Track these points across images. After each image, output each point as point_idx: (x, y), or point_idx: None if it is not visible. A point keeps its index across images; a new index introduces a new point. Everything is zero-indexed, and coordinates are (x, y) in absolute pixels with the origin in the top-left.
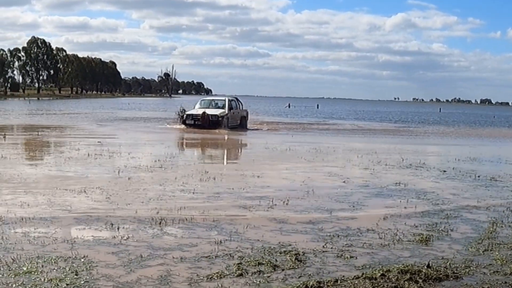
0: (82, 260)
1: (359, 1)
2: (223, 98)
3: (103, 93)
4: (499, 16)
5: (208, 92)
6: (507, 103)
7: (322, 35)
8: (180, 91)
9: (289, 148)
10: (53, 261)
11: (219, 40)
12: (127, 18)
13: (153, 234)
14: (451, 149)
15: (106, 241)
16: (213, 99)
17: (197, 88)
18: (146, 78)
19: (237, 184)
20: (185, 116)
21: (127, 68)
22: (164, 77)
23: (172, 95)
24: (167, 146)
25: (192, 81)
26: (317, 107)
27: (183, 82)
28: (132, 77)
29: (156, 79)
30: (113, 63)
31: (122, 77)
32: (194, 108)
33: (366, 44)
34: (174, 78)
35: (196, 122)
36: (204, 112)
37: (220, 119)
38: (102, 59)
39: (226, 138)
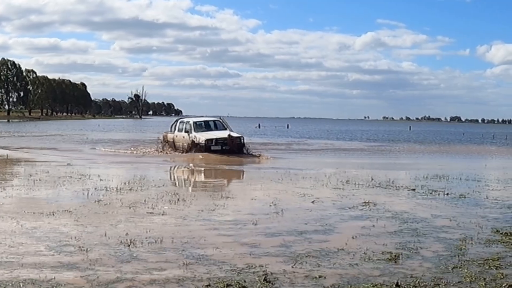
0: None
1: (329, 21)
2: (212, 118)
3: (73, 114)
4: (468, 33)
5: (178, 113)
6: (477, 120)
7: (292, 55)
8: (150, 112)
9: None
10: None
11: (189, 60)
12: (98, 39)
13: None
14: (420, 167)
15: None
16: (200, 120)
17: (167, 109)
18: (117, 99)
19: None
20: (204, 141)
21: (97, 89)
22: (134, 99)
23: (142, 116)
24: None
25: (163, 102)
26: (287, 127)
27: (153, 103)
28: (103, 99)
29: (126, 100)
30: (84, 85)
31: (93, 98)
32: (173, 131)
33: (336, 63)
34: (144, 99)
35: (224, 147)
36: (229, 135)
37: (243, 141)
38: (72, 81)
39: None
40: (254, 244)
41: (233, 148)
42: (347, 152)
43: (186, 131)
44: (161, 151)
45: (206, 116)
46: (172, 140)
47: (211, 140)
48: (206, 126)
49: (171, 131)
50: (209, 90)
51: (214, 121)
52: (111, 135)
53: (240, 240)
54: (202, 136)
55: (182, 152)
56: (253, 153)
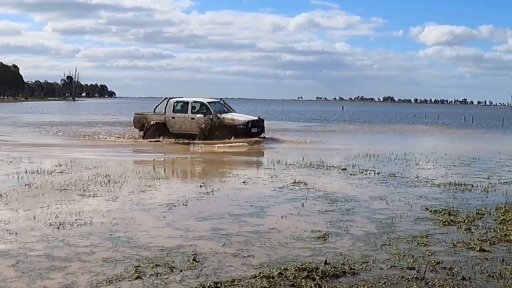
0: None
1: (263, 2)
2: (212, 100)
3: (5, 97)
4: (401, 15)
5: (111, 95)
6: (410, 101)
7: (226, 36)
8: (84, 94)
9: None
10: None
11: (122, 42)
12: (31, 21)
13: None
14: (351, 146)
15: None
16: (213, 100)
17: (100, 91)
18: (50, 81)
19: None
20: (244, 124)
21: (30, 71)
22: (67, 80)
23: (76, 99)
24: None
25: (96, 84)
26: None
27: (87, 85)
28: (35, 81)
29: (59, 82)
30: (16, 67)
31: (25, 80)
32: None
33: (270, 44)
34: (78, 81)
35: (258, 130)
36: (259, 117)
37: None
38: (4, 63)
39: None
40: (184, 225)
41: (262, 130)
42: (282, 132)
43: (194, 112)
44: (142, 138)
45: (201, 98)
46: (162, 122)
47: (251, 122)
48: (219, 107)
49: (157, 112)
50: (143, 71)
51: (218, 102)
52: (53, 117)
53: (170, 221)
54: (239, 118)
55: (186, 137)
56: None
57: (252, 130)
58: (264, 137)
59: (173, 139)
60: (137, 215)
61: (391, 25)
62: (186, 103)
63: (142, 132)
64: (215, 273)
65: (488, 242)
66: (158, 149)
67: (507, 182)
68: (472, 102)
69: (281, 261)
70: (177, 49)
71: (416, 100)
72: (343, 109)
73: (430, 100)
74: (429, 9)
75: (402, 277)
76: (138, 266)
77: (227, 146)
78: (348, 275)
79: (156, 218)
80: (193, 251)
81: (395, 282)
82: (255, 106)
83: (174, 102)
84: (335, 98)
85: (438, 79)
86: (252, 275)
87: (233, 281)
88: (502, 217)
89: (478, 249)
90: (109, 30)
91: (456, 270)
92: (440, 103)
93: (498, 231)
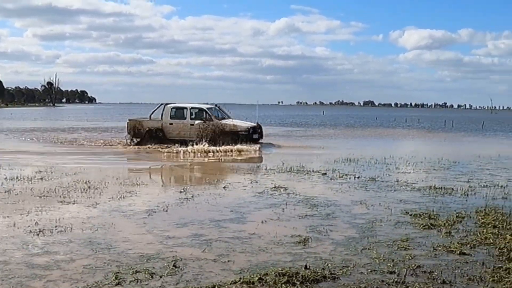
0: None
1: (243, 7)
2: (208, 106)
3: None
4: (381, 19)
5: (92, 100)
6: (390, 105)
7: (206, 41)
8: (64, 100)
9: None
10: None
11: (103, 47)
12: (11, 26)
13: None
14: (331, 151)
15: None
16: (211, 106)
17: (81, 97)
18: (30, 87)
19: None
20: (246, 130)
21: (10, 77)
22: (47, 86)
23: (56, 104)
24: None
25: (76, 89)
26: None
27: (67, 90)
28: (15, 87)
29: (39, 88)
30: None
31: (5, 86)
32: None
33: (250, 49)
34: (58, 87)
35: (258, 136)
36: (258, 123)
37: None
38: None
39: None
40: (165, 231)
41: (261, 136)
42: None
43: (193, 118)
44: (135, 145)
45: (197, 104)
46: (159, 128)
47: (252, 128)
48: (215, 113)
49: (153, 118)
50: (123, 77)
51: (214, 108)
52: (34, 123)
53: (150, 227)
54: (241, 124)
55: (185, 143)
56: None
57: (254, 136)
58: (261, 143)
59: (165, 145)
60: (117, 221)
61: (371, 29)
62: (184, 109)
63: (135, 139)
64: (195, 279)
65: (468, 245)
66: (152, 156)
67: (487, 185)
68: (452, 106)
69: (261, 266)
70: (158, 55)
71: (396, 104)
72: (323, 114)
73: (411, 104)
74: (409, 13)
75: (383, 281)
76: (118, 272)
77: (236, 153)
78: (329, 279)
79: (136, 224)
80: (173, 257)
81: (375, 287)
82: (237, 111)
83: (172, 108)
84: (315, 103)
85: (418, 83)
86: (232, 281)
87: (214, 286)
88: (482, 220)
89: (458, 252)
90: (89, 36)
91: (436, 273)
92: (420, 107)
93: (478, 234)
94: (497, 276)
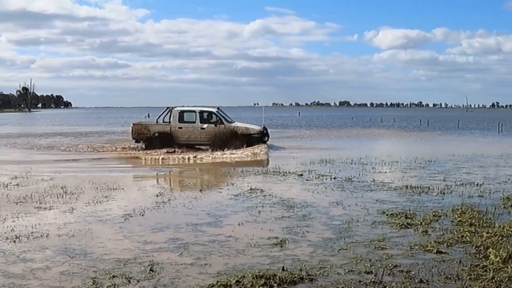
0: None
1: (218, 9)
2: (211, 109)
3: None
4: (356, 19)
5: (67, 105)
6: (366, 104)
7: (181, 44)
8: (40, 105)
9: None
10: None
11: (78, 52)
12: None
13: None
14: (308, 152)
15: None
16: (218, 110)
17: (56, 102)
18: (5, 93)
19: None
20: (258, 133)
21: None
22: (22, 92)
23: (32, 110)
24: None
25: (52, 94)
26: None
27: (43, 95)
28: None
29: (15, 93)
30: None
31: None
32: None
33: (225, 51)
34: (33, 92)
35: (267, 138)
36: (264, 126)
37: None
38: None
39: None
40: (141, 236)
41: (268, 138)
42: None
43: (202, 122)
44: (144, 150)
45: (200, 107)
46: (168, 132)
47: (262, 130)
48: (224, 116)
49: (159, 122)
50: (99, 81)
51: (218, 111)
52: (11, 129)
53: (127, 232)
54: (252, 127)
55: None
56: None
57: (264, 139)
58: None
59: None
60: (93, 226)
61: (346, 30)
62: (193, 112)
63: (141, 143)
64: (173, 282)
65: (445, 244)
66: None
67: (463, 184)
68: (427, 105)
69: (238, 269)
70: (133, 58)
71: (372, 104)
72: (299, 115)
73: (386, 103)
74: (383, 14)
75: (360, 281)
76: (95, 278)
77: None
78: (306, 281)
79: (113, 229)
80: (150, 261)
81: (352, 287)
82: None
83: (180, 112)
84: (291, 104)
85: (393, 82)
86: (209, 284)
87: None
88: (459, 219)
89: (435, 251)
90: (64, 40)
91: (413, 273)
92: (396, 106)
93: (455, 232)
94: (474, 274)
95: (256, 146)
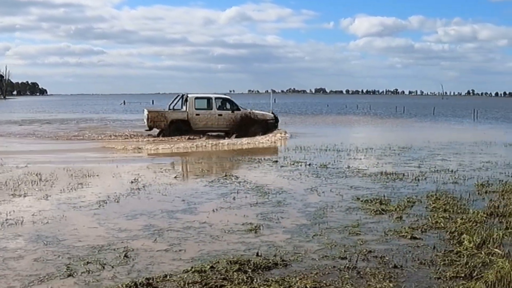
0: None
1: None
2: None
3: None
4: (332, 7)
5: (43, 92)
6: (341, 92)
7: (157, 31)
8: (15, 92)
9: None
10: None
11: (53, 39)
12: None
13: None
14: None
15: None
16: (228, 97)
17: (32, 89)
18: None
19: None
20: (273, 119)
21: None
22: None
23: (7, 97)
24: None
25: (27, 81)
26: (152, 103)
27: (18, 83)
28: None
29: None
30: None
31: None
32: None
33: (201, 38)
34: (8, 79)
35: (277, 123)
36: (272, 112)
37: None
38: None
39: None
40: (116, 222)
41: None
42: None
43: (219, 108)
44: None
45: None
46: (185, 119)
47: (276, 116)
48: (224, 103)
49: (173, 109)
50: (74, 68)
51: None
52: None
53: (102, 218)
54: (267, 113)
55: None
56: None
57: (276, 124)
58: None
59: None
60: (68, 213)
61: (322, 17)
62: (210, 99)
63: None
64: (147, 268)
65: (419, 229)
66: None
67: (438, 170)
68: (403, 92)
69: (213, 254)
70: (109, 45)
71: (348, 91)
72: (275, 102)
73: (362, 91)
74: (359, 1)
75: (334, 267)
76: (69, 264)
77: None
78: (280, 266)
79: (88, 216)
80: (124, 247)
81: (327, 272)
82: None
83: (195, 99)
84: (267, 91)
85: (369, 70)
86: (184, 270)
87: (165, 276)
88: (433, 205)
89: (409, 237)
90: (40, 27)
91: (387, 258)
92: (371, 93)
93: (429, 218)
94: (448, 260)
95: (276, 131)
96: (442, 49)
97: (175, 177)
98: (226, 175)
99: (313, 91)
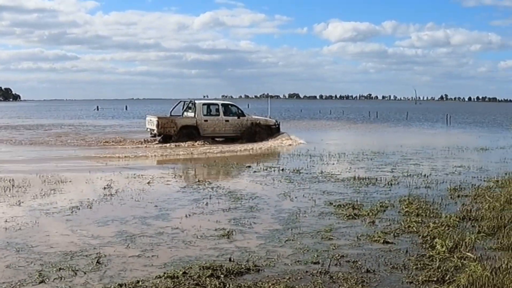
0: None
1: (167, 1)
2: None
3: None
4: (305, 12)
5: (16, 98)
6: (315, 97)
7: (130, 36)
8: None
9: None
10: None
11: (27, 44)
12: None
13: None
14: (255, 143)
15: None
16: (234, 104)
17: (5, 94)
18: None
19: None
20: (276, 124)
21: None
22: None
23: None
24: None
25: (0, 87)
26: (126, 108)
27: None
28: None
29: None
30: None
31: None
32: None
33: (175, 43)
34: None
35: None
36: (270, 117)
37: None
38: None
39: None
40: (89, 228)
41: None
42: None
43: (226, 114)
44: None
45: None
46: (194, 125)
47: (278, 122)
48: (227, 108)
49: (182, 115)
50: (47, 73)
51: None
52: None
53: (74, 224)
54: (270, 119)
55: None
56: None
57: (278, 129)
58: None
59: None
60: (40, 220)
61: (295, 22)
62: (216, 105)
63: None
64: (119, 274)
65: (391, 234)
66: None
67: (410, 175)
68: (377, 97)
69: (185, 260)
70: (82, 51)
71: (321, 96)
72: (248, 107)
73: (336, 96)
74: (333, 6)
75: (307, 271)
76: (41, 270)
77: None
78: (253, 271)
79: (60, 222)
80: (97, 253)
81: (299, 277)
82: (158, 106)
83: (203, 105)
84: (240, 96)
85: (342, 75)
86: (156, 276)
87: (138, 282)
88: (406, 209)
89: (382, 241)
90: (12, 32)
91: (360, 263)
92: (345, 98)
93: (402, 223)
94: (420, 264)
95: (282, 135)
96: (415, 54)
97: (148, 182)
98: (199, 181)
99: (287, 96)
